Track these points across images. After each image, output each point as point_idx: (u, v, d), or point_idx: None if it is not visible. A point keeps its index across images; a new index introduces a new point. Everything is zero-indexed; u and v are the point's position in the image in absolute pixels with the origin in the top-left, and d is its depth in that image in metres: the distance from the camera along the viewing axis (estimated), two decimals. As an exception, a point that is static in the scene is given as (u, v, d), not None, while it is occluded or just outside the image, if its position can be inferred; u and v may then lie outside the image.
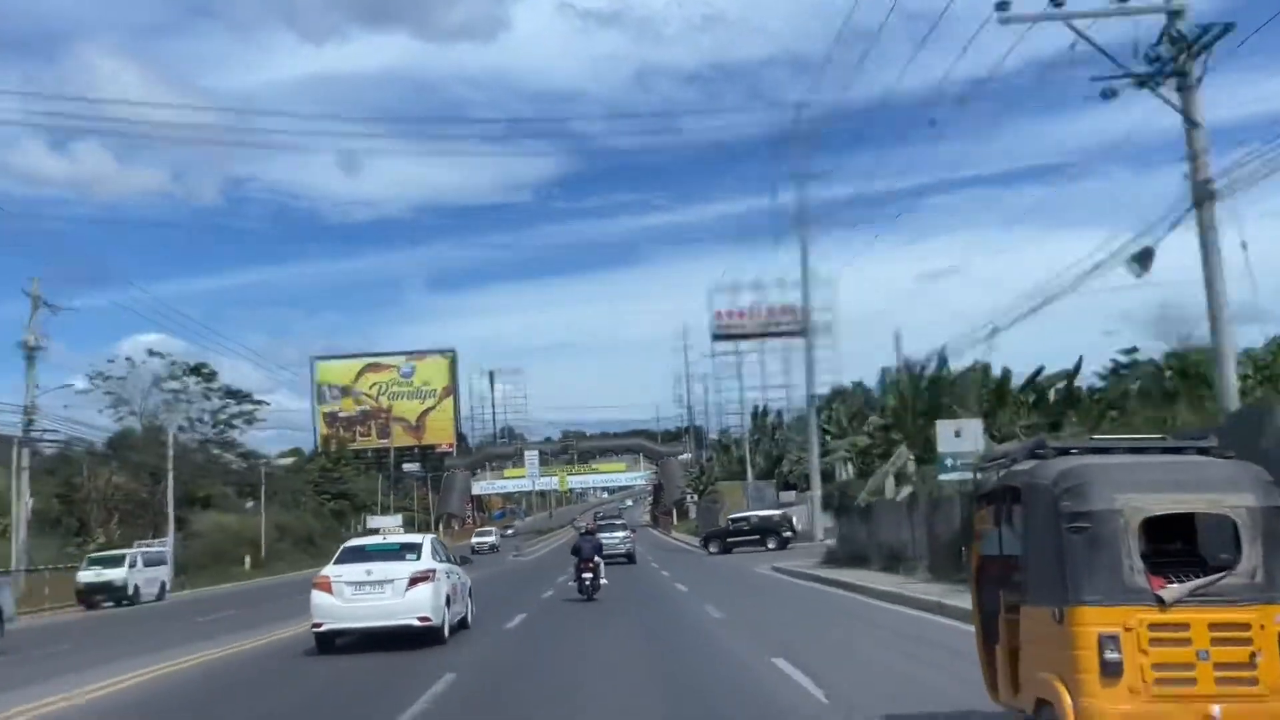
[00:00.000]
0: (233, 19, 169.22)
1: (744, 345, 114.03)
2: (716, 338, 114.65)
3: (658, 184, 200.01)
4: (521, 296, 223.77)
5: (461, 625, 15.19)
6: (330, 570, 13.97)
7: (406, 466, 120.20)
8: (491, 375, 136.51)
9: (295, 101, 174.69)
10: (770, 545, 42.94)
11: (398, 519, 77.99)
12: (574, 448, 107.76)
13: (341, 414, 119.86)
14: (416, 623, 13.28)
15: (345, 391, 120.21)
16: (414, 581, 13.46)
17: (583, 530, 26.11)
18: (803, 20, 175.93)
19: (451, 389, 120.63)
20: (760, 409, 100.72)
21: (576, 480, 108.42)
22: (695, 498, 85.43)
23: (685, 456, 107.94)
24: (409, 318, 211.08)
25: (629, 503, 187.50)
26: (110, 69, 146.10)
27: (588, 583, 20.49)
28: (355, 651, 13.67)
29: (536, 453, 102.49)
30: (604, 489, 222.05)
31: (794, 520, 45.44)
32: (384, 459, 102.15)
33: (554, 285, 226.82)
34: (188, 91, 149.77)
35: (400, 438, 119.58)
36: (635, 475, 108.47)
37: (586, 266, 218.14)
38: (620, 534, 40.22)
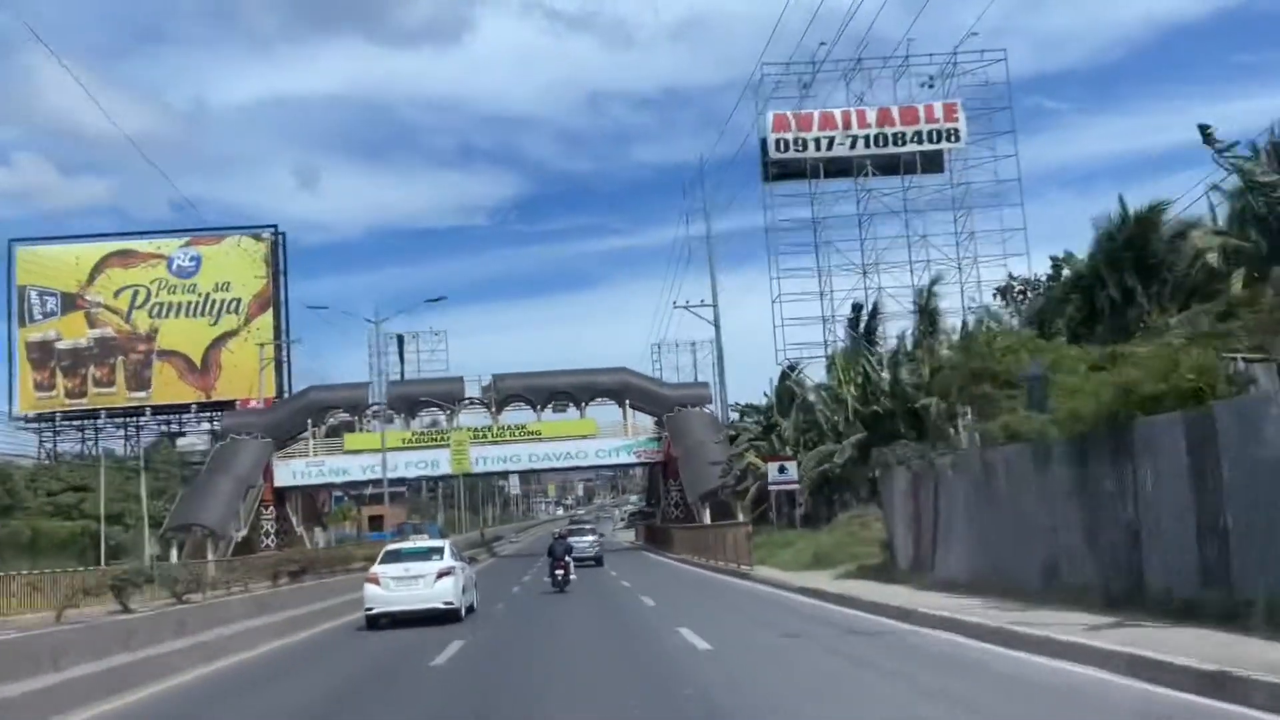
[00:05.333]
0: (184, 41, 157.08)
1: (830, 184, 59.28)
2: (774, 173, 60.52)
3: (612, 208, 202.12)
4: (477, 320, 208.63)
5: (470, 609, 18.59)
6: (377, 568, 17.68)
7: (185, 441, 65.48)
8: (400, 340, 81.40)
9: (248, 123, 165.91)
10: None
11: None
12: (496, 388, 53.38)
13: (61, 343, 64.69)
14: (443, 606, 17.09)
15: (70, 301, 65.14)
16: (440, 575, 17.32)
17: (556, 535, 28.05)
18: (759, 47, 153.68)
19: (271, 299, 66.02)
20: (869, 306, 50.14)
21: (494, 454, 53.07)
22: (777, 472, 31.64)
23: (711, 408, 54.03)
24: (361, 341, 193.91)
25: (619, 510, 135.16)
26: (57, 85, 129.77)
27: (560, 577, 23.24)
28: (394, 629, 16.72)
29: (382, 385, 48.74)
30: (550, 480, 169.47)
31: None
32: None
33: (511, 309, 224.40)
34: (139, 111, 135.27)
35: (170, 387, 64.75)
36: (617, 444, 54.18)
37: (544, 290, 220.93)
38: (589, 539, 39.51)
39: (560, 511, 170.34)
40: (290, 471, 52.53)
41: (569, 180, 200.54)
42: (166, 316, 65.10)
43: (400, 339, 77.75)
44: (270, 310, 65.32)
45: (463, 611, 17.58)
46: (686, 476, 47.56)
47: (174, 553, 43.40)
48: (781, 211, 54.22)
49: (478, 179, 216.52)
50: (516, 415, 55.49)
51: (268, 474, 51.42)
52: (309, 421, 53.32)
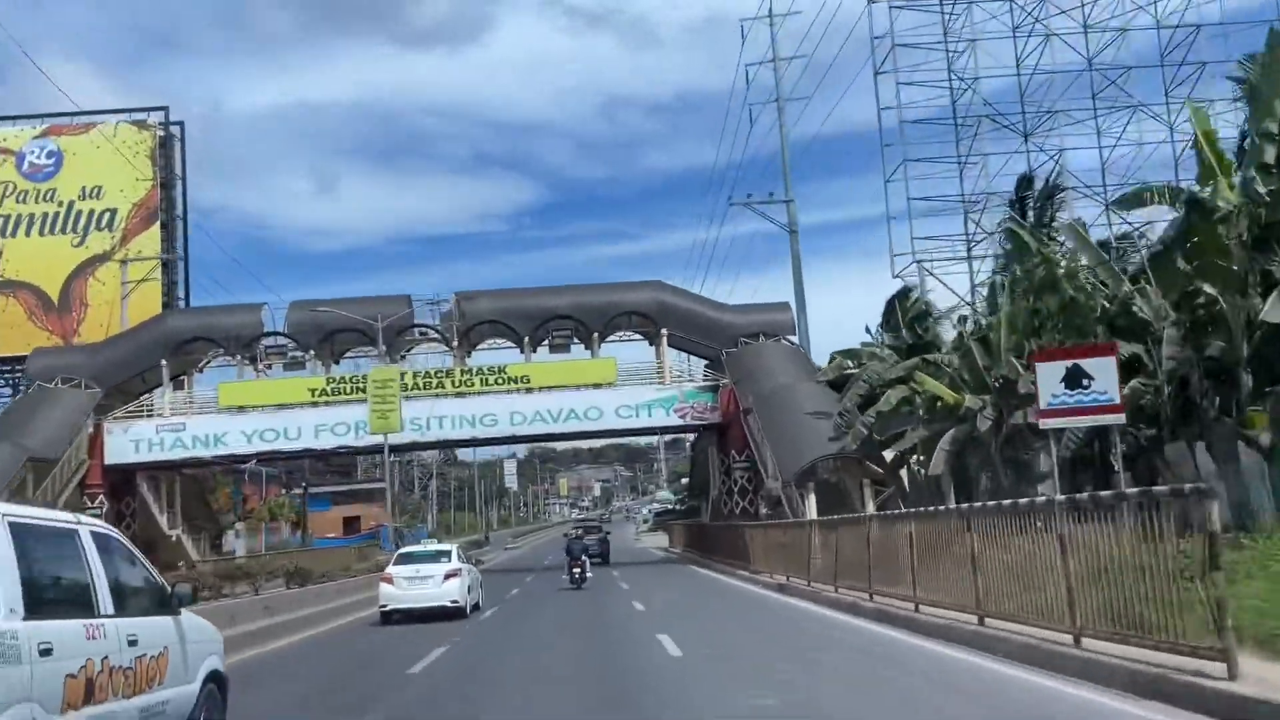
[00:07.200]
0: (200, 47, 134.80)
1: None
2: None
3: (627, 213, 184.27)
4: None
5: (476, 607, 20.51)
6: (391, 569, 19.80)
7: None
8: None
9: (264, 130, 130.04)
10: None
11: None
12: (461, 312, 34.48)
13: None
14: (449, 604, 18.92)
15: (-122, 214, 46.77)
16: (448, 576, 19.26)
17: (572, 535, 30.49)
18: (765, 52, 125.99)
19: (158, 207, 47.44)
20: (1041, 182, 31.42)
21: (456, 412, 34.26)
22: (1061, 387, 11.97)
23: (793, 339, 34.97)
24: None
25: (644, 510, 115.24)
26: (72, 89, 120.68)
27: (577, 575, 25.52)
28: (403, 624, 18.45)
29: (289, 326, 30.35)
30: (562, 476, 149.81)
31: None
32: None
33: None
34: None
35: (16, 330, 46.23)
36: (649, 397, 34.22)
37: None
38: (595, 536, 39.17)
39: (575, 513, 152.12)
40: (131, 441, 33.79)
41: (584, 186, 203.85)
42: (14, 234, 46.73)
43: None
44: (159, 224, 46.85)
45: (468, 609, 19.37)
46: (770, 442, 28.34)
47: None
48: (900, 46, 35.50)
49: (494, 185, 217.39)
50: (493, 355, 36.78)
51: (95, 444, 32.83)
52: (163, 363, 34.54)
